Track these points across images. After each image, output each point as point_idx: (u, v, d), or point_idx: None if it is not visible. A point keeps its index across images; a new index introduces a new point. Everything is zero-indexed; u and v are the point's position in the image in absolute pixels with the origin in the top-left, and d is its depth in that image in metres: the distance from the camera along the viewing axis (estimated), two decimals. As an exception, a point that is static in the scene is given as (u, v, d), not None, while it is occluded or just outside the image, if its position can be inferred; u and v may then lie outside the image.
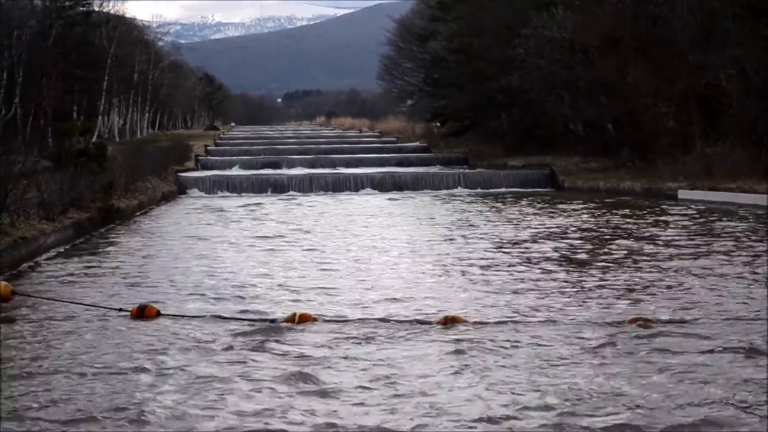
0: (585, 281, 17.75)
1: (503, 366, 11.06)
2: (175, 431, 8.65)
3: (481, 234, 26.76)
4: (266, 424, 8.86)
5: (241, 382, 10.34)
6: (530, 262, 20.52)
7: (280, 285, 17.58)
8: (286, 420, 8.99)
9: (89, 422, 8.88)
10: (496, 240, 25.20)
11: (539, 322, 13.60)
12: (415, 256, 22.00)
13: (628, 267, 19.51)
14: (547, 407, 9.30)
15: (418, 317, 13.95)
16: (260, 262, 20.97)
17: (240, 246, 24.31)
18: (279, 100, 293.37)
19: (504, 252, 22.53)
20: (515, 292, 16.59)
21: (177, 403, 9.50)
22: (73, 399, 9.66)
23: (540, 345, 12.07)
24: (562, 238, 25.36)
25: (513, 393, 9.87)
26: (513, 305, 15.20)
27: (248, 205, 38.87)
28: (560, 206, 36.22)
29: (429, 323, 13.46)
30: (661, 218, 30.41)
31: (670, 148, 44.32)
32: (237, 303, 15.56)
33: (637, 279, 17.81)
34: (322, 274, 18.97)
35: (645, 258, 20.79)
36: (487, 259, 21.18)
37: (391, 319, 13.83)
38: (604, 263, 20.17)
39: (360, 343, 12.29)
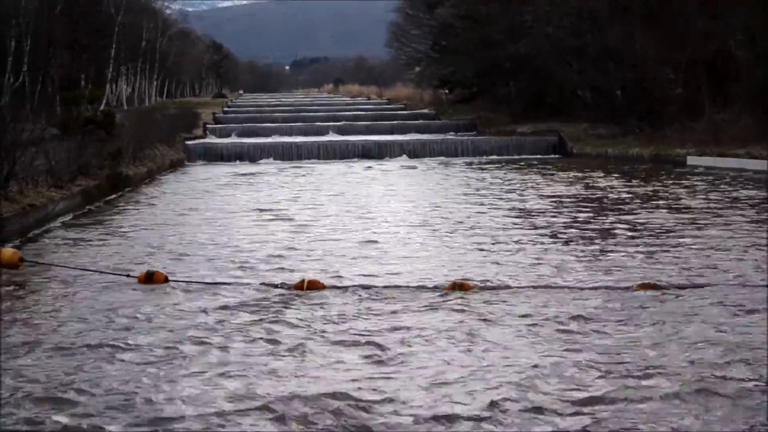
0: (596, 248, 17.81)
1: (508, 332, 11.12)
2: (188, 397, 8.71)
3: (490, 201, 26.81)
4: (280, 390, 8.91)
5: (250, 348, 10.40)
6: (540, 229, 20.58)
7: (289, 252, 17.65)
8: (298, 385, 9.02)
9: (92, 391, 8.94)
10: (504, 207, 25.25)
11: (547, 287, 13.66)
12: (423, 223, 22.05)
13: (640, 234, 19.56)
14: (550, 374, 9.35)
15: (424, 283, 14.00)
16: (268, 230, 21.03)
17: (248, 214, 24.36)
18: (287, 67, 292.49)
19: (513, 219, 22.59)
20: (524, 258, 16.66)
21: (185, 368, 9.58)
22: (77, 365, 9.73)
23: (546, 311, 12.13)
24: (573, 205, 25.41)
25: (516, 359, 9.93)
26: (522, 272, 15.26)
27: (257, 173, 38.88)
28: (569, 173, 36.22)
29: (436, 289, 13.51)
30: (673, 184, 30.46)
31: (678, 114, 44.29)
32: (245, 270, 15.63)
33: (647, 246, 17.85)
34: (331, 241, 19.03)
35: (657, 225, 20.83)
36: (495, 225, 21.23)
37: (399, 285, 13.90)
38: (615, 230, 20.22)
39: (369, 309, 12.35)
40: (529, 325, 11.37)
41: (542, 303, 12.56)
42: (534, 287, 13.68)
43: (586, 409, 8.23)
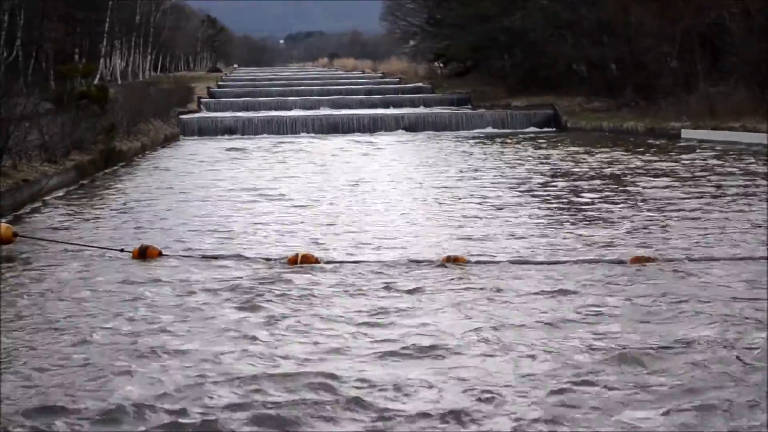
0: (590, 221, 17.83)
1: (502, 306, 11.13)
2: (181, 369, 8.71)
3: (484, 174, 26.80)
4: (273, 363, 8.92)
5: (246, 322, 10.40)
6: (534, 203, 20.59)
7: (282, 227, 17.67)
8: (292, 362, 9.03)
9: (88, 364, 8.94)
10: (498, 180, 25.27)
11: (541, 262, 13.67)
12: (418, 197, 22.08)
13: (634, 207, 19.59)
14: (542, 346, 9.37)
15: (419, 257, 14.00)
16: (261, 207, 21.02)
17: (241, 191, 24.32)
18: (281, 41, 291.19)
19: (507, 192, 22.60)
20: (518, 232, 16.66)
21: (183, 344, 9.58)
22: (70, 339, 9.73)
23: (540, 283, 12.15)
24: (568, 179, 25.44)
25: (511, 331, 9.95)
26: (516, 245, 15.26)
27: (251, 147, 38.82)
28: (563, 146, 36.26)
29: (431, 262, 13.51)
30: (667, 158, 30.49)
31: (673, 87, 44.26)
32: (239, 244, 15.62)
33: (642, 219, 17.87)
34: (326, 216, 19.04)
35: (652, 198, 20.85)
36: (489, 199, 21.24)
37: (393, 259, 13.89)
38: (610, 203, 20.23)
39: (363, 283, 12.36)
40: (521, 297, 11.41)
41: (537, 276, 12.59)
42: (528, 262, 13.68)
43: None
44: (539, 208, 19.80)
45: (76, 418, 7.36)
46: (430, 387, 8.09)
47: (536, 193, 22.52)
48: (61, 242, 15.48)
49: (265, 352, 9.24)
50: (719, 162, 28.62)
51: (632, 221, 17.61)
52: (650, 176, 25.46)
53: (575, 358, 8.89)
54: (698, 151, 32.58)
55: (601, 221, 17.77)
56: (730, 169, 26.50)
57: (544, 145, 37.42)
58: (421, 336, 9.72)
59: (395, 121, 48.34)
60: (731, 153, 31.10)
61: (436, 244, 15.36)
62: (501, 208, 19.73)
